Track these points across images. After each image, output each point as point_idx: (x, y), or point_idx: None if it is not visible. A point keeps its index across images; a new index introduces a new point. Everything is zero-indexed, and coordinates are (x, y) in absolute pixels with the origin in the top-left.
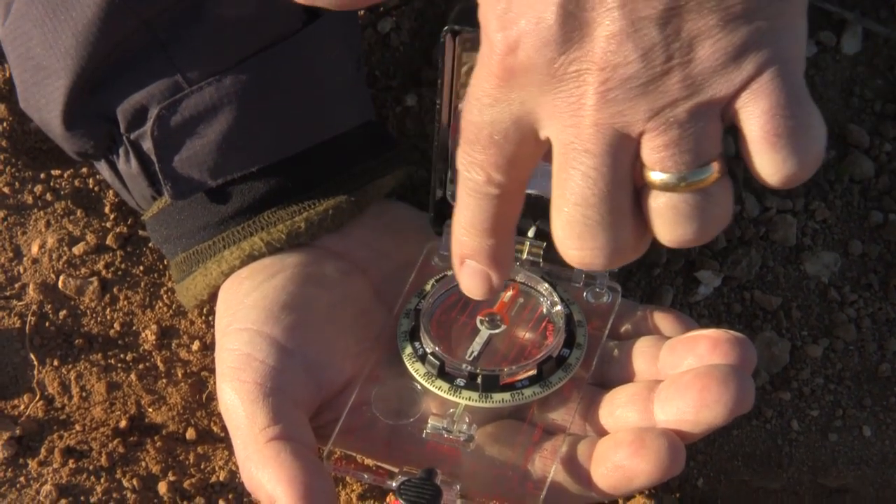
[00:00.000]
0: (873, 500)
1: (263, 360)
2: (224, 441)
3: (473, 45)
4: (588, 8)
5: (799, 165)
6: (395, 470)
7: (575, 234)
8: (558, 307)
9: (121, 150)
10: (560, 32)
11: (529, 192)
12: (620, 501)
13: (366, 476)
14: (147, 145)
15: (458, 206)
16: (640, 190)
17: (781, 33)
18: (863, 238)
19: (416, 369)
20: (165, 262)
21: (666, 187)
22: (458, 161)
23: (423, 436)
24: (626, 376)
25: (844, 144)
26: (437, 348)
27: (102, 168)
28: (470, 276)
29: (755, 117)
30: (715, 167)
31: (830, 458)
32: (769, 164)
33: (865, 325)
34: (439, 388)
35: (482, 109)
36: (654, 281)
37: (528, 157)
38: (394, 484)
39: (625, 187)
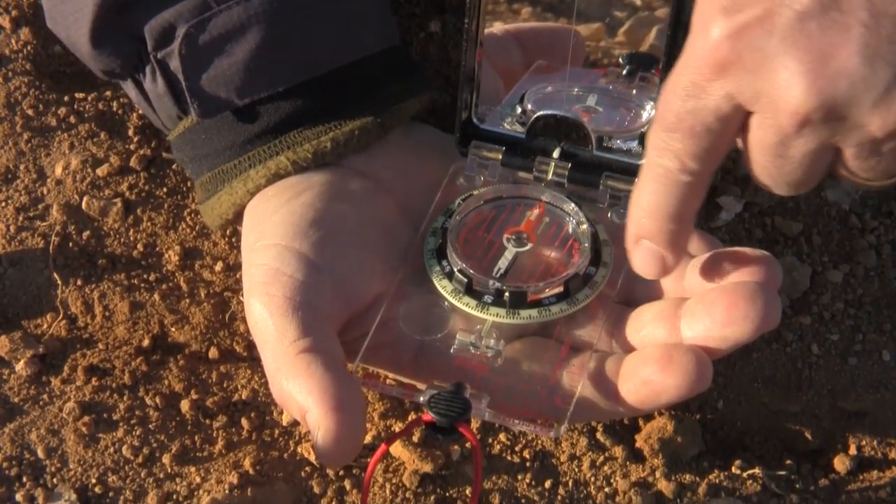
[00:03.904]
0: (891, 424)
1: (292, 275)
2: (246, 360)
3: None
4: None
5: None
6: (423, 387)
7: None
8: (584, 226)
9: (147, 69)
10: (795, 26)
11: (554, 113)
12: (641, 421)
13: (394, 391)
14: (174, 64)
15: (642, 190)
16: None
17: None
18: None
19: (443, 286)
20: (189, 183)
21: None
22: (651, 146)
23: (451, 351)
24: (652, 294)
25: None
26: (464, 265)
27: (129, 88)
28: (645, 257)
29: None
30: None
31: (849, 381)
32: None
33: (886, 251)
34: (467, 305)
35: (686, 99)
36: None
37: (726, 145)
38: (422, 398)
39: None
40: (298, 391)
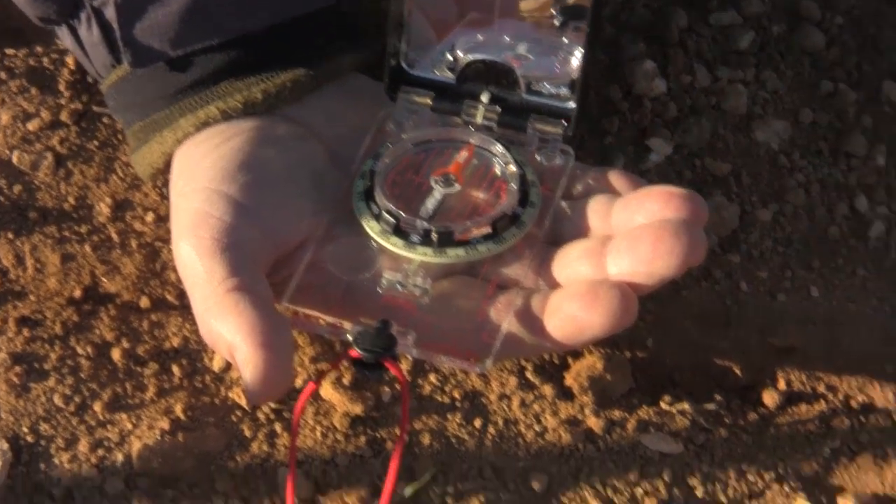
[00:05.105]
0: (820, 359)
1: (220, 217)
2: (178, 309)
3: None
4: None
5: None
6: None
7: None
8: (512, 167)
9: (83, 17)
10: None
11: (484, 58)
12: (570, 360)
13: (322, 331)
14: (109, 13)
15: None
16: None
17: None
18: (813, 107)
19: (371, 227)
20: (120, 136)
21: None
22: None
23: (379, 290)
24: (579, 233)
25: (796, 17)
26: (391, 206)
27: (64, 35)
28: None
29: None
30: None
31: (779, 318)
32: None
33: (815, 190)
34: (394, 245)
35: None
36: (606, 149)
37: None
38: (349, 335)
39: None
40: (227, 330)
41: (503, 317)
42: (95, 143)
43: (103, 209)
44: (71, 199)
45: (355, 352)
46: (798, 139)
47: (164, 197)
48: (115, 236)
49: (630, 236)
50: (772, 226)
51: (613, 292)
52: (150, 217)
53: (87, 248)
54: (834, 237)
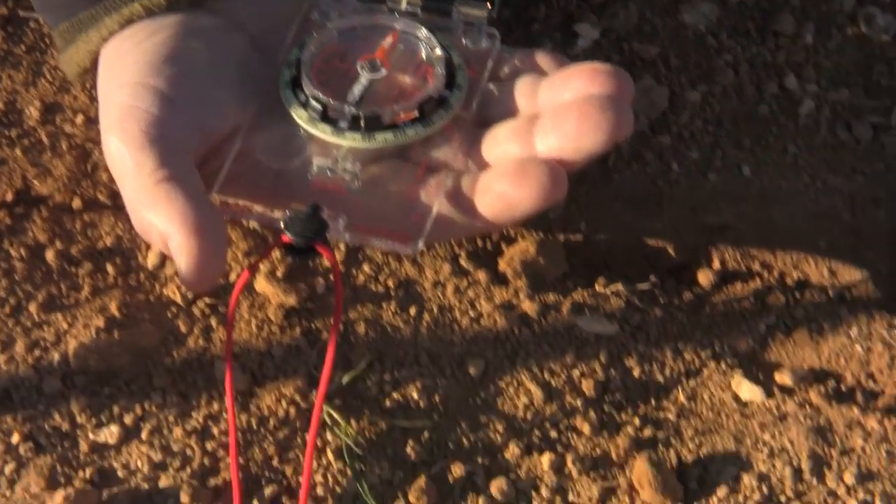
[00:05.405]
0: (753, 237)
1: (147, 110)
2: (111, 208)
3: None
4: None
5: None
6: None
7: None
8: (438, 51)
9: None
10: None
11: None
12: (503, 245)
13: (254, 217)
14: None
15: None
16: None
17: None
18: None
19: (299, 115)
20: (47, 41)
21: None
22: None
23: (308, 177)
24: (507, 114)
25: None
26: (318, 93)
27: None
28: None
29: None
30: None
31: (710, 196)
32: None
33: (743, 69)
34: (323, 132)
35: None
36: (533, 36)
37: None
38: (280, 221)
39: None
40: (159, 219)
41: (434, 198)
42: (23, 47)
43: (33, 112)
44: (0, 105)
45: (287, 237)
46: (726, 20)
47: (94, 99)
48: (45, 139)
49: (556, 113)
50: (701, 106)
51: (542, 168)
52: (79, 119)
53: (18, 151)
54: (764, 115)
